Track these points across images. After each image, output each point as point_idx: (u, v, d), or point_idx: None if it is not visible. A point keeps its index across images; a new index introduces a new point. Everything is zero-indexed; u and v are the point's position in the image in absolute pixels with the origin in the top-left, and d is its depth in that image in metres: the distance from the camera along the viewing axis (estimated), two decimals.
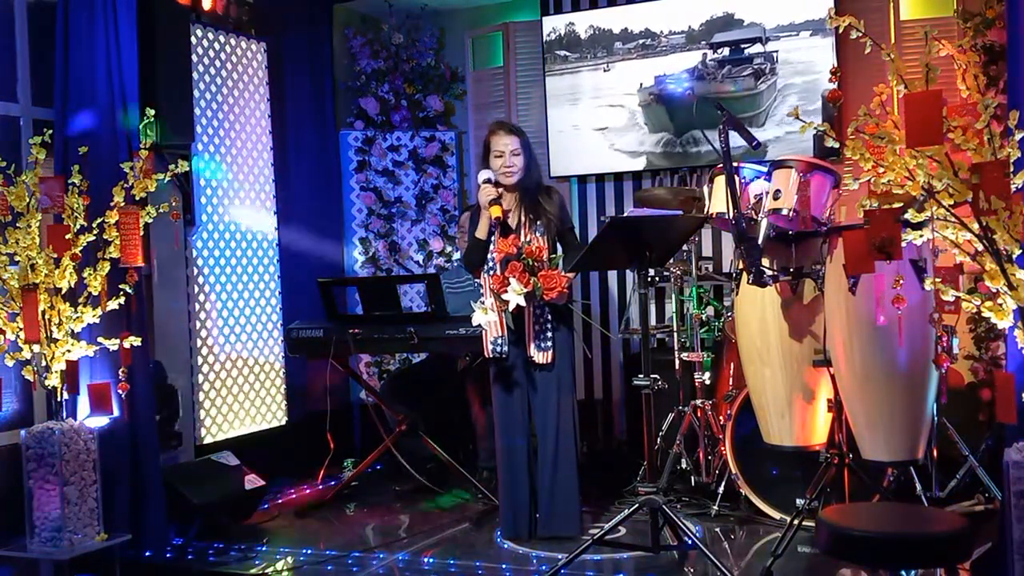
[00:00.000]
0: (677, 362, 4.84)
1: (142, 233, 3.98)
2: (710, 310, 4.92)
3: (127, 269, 3.96)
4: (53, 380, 3.86)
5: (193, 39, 5.08)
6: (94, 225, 3.92)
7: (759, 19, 5.71)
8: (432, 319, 4.83)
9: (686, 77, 5.85)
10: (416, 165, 6.48)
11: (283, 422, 5.78)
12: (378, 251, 6.41)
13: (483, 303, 4.09)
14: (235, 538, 4.48)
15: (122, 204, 3.94)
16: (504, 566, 3.98)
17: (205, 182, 5.27)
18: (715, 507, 4.46)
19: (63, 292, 3.87)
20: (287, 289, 5.83)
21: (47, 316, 3.82)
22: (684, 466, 4.79)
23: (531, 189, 4.27)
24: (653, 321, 5.57)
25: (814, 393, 3.90)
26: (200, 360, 5.20)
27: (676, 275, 4.91)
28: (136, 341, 3.96)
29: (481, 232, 4.21)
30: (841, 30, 3.14)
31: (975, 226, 2.87)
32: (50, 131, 3.99)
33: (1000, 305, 2.91)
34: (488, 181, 4.19)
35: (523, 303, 3.96)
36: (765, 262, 3.82)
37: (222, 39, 5.41)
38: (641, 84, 6.01)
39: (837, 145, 3.20)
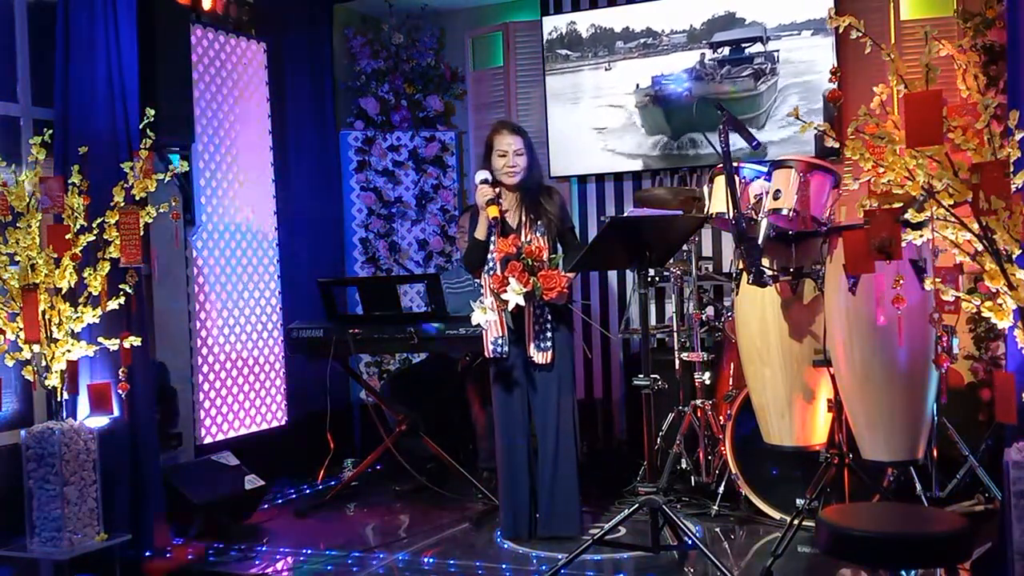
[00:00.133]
0: (677, 362, 4.84)
1: (142, 233, 3.98)
2: (710, 310, 4.92)
3: (127, 269, 3.96)
4: (53, 380, 3.86)
5: (193, 39, 5.08)
6: (94, 225, 3.91)
7: (760, 18, 5.71)
8: (432, 319, 4.83)
9: (685, 78, 5.84)
10: (416, 165, 6.48)
11: (283, 422, 5.77)
12: (378, 251, 6.41)
13: (482, 303, 4.09)
14: (235, 538, 4.48)
15: (122, 204, 3.94)
16: (504, 566, 3.98)
17: (205, 182, 5.27)
18: (715, 507, 4.46)
19: (63, 292, 3.87)
20: (287, 289, 5.82)
21: (47, 316, 3.82)
22: (684, 466, 4.79)
23: (532, 189, 4.27)
24: (653, 321, 5.57)
25: (814, 393, 3.90)
26: (200, 360, 5.20)
27: (676, 275, 4.91)
28: (136, 341, 3.96)
29: (480, 233, 4.21)
30: (841, 30, 3.13)
31: (975, 226, 2.87)
32: (50, 131, 3.99)
33: (1000, 305, 2.91)
34: (485, 181, 4.19)
35: (522, 303, 3.96)
36: (765, 262, 3.82)
37: (222, 39, 5.41)
38: (637, 85, 6.00)
39: (837, 145, 3.20)
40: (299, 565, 4.14)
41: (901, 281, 2.97)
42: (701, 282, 5.03)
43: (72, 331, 3.88)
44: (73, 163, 3.98)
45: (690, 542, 3.77)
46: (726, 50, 5.79)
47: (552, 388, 4.22)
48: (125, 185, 3.96)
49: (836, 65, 5.15)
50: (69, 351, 3.87)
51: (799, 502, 3.81)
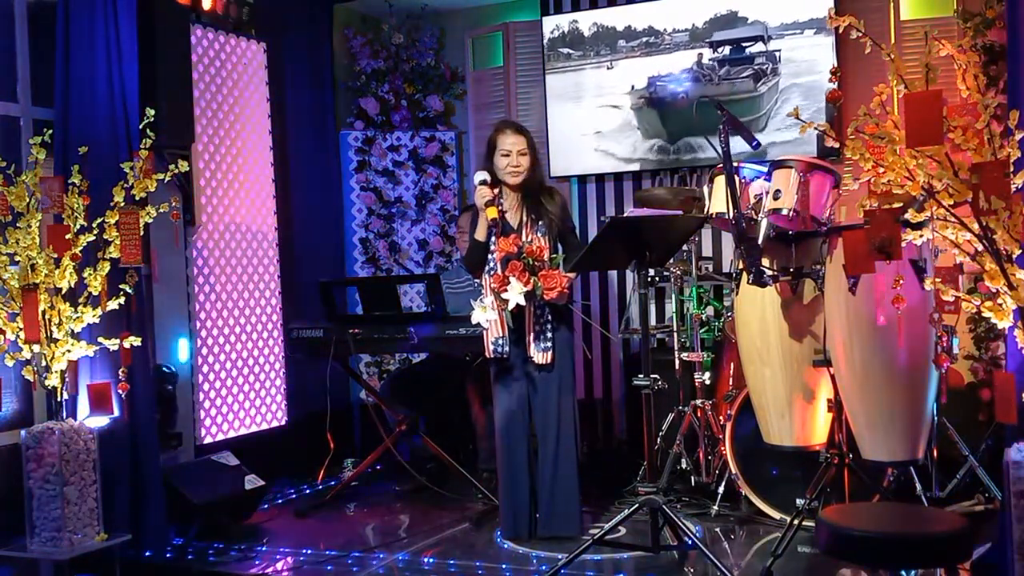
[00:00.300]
0: (677, 362, 4.84)
1: (142, 233, 3.98)
2: (710, 310, 4.92)
3: (127, 269, 3.96)
4: (53, 380, 3.86)
5: (193, 39, 5.08)
6: (94, 225, 3.91)
7: (763, 17, 5.70)
8: (432, 319, 4.83)
9: (685, 78, 5.83)
10: (416, 165, 6.48)
11: (283, 422, 5.77)
12: (378, 251, 6.41)
13: (483, 302, 4.09)
14: (235, 538, 4.48)
15: (122, 204, 3.94)
16: (504, 566, 3.98)
17: (205, 182, 5.27)
18: (715, 507, 4.46)
19: (63, 292, 3.87)
20: (287, 289, 5.82)
21: (47, 316, 3.82)
22: (684, 466, 4.79)
23: (534, 189, 4.27)
24: (653, 321, 5.57)
25: (814, 393, 3.90)
26: (200, 360, 5.20)
27: (676, 275, 4.91)
28: (136, 341, 3.96)
29: (480, 234, 4.21)
30: (841, 30, 3.13)
31: (975, 226, 2.87)
32: (50, 131, 3.99)
33: (1000, 305, 2.91)
34: (485, 183, 4.18)
35: (523, 302, 3.96)
36: (765, 262, 3.82)
37: (222, 39, 5.41)
38: (633, 86, 6.00)
39: (837, 145, 3.20)
40: (299, 565, 4.13)
41: (901, 281, 2.97)
42: (701, 282, 5.03)
43: (72, 331, 3.88)
44: (73, 163, 3.98)
45: (690, 542, 3.77)
46: (726, 50, 5.78)
47: (552, 388, 4.22)
48: (125, 185, 3.96)
49: (836, 65, 5.15)
50: (69, 351, 3.87)
51: (799, 502, 3.81)
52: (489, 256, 4.20)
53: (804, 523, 3.73)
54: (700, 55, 5.82)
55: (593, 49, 6.11)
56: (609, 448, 5.95)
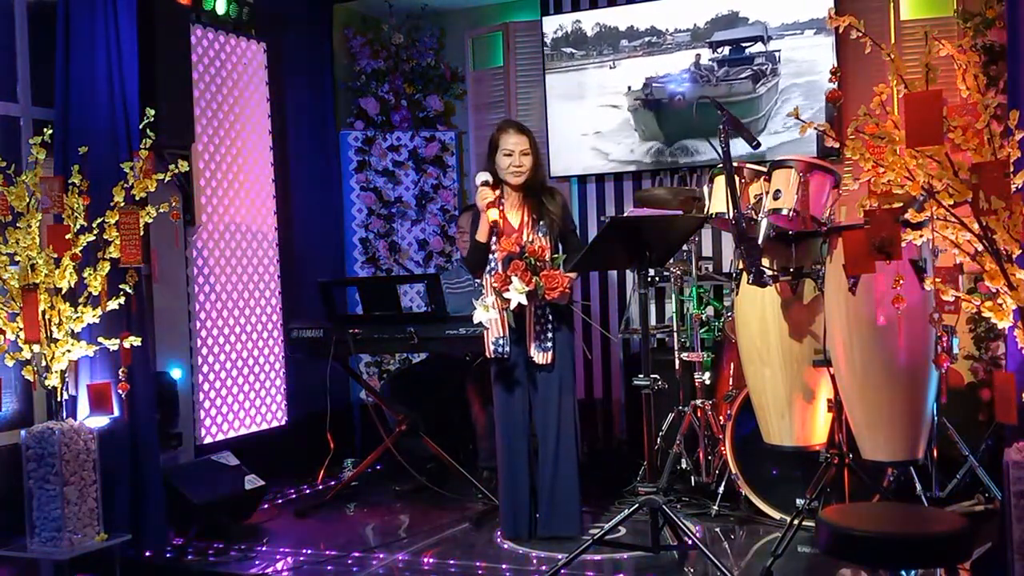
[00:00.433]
0: (677, 362, 4.84)
1: (142, 233, 3.98)
2: (710, 310, 4.92)
3: (127, 269, 3.96)
4: (53, 380, 3.86)
5: (193, 39, 5.08)
6: (94, 225, 3.91)
7: (763, 17, 5.69)
8: (432, 319, 4.83)
9: (685, 78, 5.83)
10: (416, 165, 6.48)
11: (283, 422, 5.77)
12: (378, 251, 6.41)
13: (484, 301, 4.09)
14: (235, 538, 4.48)
15: (122, 204, 3.94)
16: (504, 566, 3.98)
17: (205, 182, 5.27)
18: (715, 507, 4.46)
19: (63, 292, 3.87)
20: (287, 289, 5.82)
21: (47, 316, 3.82)
22: (684, 466, 4.78)
23: (536, 189, 4.27)
24: (653, 321, 5.57)
25: (814, 393, 3.90)
26: (200, 360, 5.20)
27: (676, 275, 4.91)
28: (136, 341, 3.96)
29: (481, 235, 4.21)
30: (841, 30, 3.13)
31: (975, 226, 2.87)
32: (50, 131, 3.99)
33: (1000, 305, 2.91)
34: (486, 183, 4.19)
35: (525, 302, 3.96)
36: (765, 262, 3.82)
37: (222, 39, 5.41)
38: (629, 87, 5.99)
39: (837, 145, 3.20)
40: (299, 565, 4.13)
41: (901, 281, 2.97)
42: (701, 282, 5.02)
43: (72, 331, 3.88)
44: (73, 163, 3.98)
45: (690, 542, 3.77)
46: (726, 50, 5.78)
47: (553, 388, 4.22)
48: (125, 185, 3.96)
49: (836, 65, 5.15)
50: (69, 351, 3.87)
51: (799, 502, 3.81)
52: (490, 256, 4.20)
53: (804, 523, 3.72)
54: (698, 56, 5.82)
55: (596, 49, 6.11)
56: (609, 448, 5.96)
